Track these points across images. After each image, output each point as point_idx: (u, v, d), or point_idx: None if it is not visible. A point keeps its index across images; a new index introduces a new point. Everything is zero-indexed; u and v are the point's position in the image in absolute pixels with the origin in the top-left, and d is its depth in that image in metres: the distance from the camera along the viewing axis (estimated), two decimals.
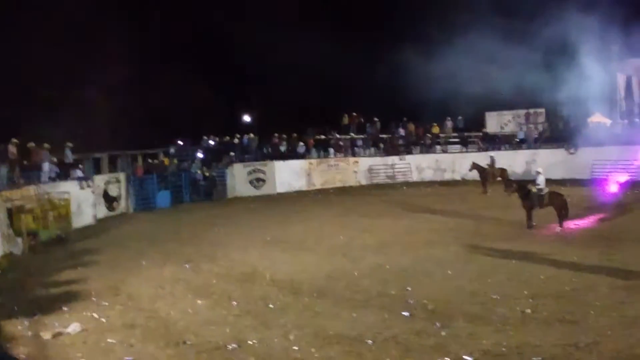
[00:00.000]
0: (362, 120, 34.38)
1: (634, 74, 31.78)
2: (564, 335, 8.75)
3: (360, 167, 31.74)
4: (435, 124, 33.95)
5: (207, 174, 29.12)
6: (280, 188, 30.12)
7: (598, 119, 31.21)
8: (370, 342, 8.82)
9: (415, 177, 31.62)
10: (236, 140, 32.26)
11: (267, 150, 32.00)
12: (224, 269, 14.33)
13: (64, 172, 23.06)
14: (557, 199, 17.10)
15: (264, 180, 30.35)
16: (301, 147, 31.78)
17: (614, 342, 8.36)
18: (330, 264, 13.99)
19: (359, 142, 33.27)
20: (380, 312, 10.12)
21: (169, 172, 28.68)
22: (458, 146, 33.18)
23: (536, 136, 31.42)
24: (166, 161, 29.79)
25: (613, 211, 19.40)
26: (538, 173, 17.93)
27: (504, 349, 8.34)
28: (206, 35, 38.35)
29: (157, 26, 37.39)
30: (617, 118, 30.64)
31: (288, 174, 30.61)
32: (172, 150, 31.71)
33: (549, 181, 18.58)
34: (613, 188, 23.01)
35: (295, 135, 32.46)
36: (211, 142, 32.31)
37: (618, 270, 12.08)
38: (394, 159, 31.98)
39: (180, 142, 33.38)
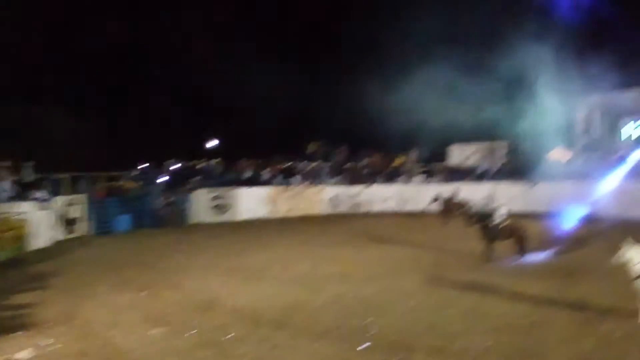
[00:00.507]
0: (328, 148, 34.57)
1: (593, 110, 32.79)
2: None
3: (324, 196, 31.77)
4: (400, 155, 34.35)
5: (168, 199, 28.75)
6: (244, 215, 29.90)
7: (557, 154, 32.04)
8: None
9: (379, 207, 31.77)
10: (201, 165, 32.04)
11: (232, 176, 31.80)
12: (183, 296, 14.04)
13: (23, 192, 22.50)
14: (517, 232, 17.36)
15: (227, 207, 30.11)
16: (266, 174, 31.74)
17: None
18: (291, 293, 13.83)
19: (325, 171, 33.34)
20: (340, 344, 10.02)
21: (131, 195, 28.21)
22: (422, 177, 33.51)
23: (498, 169, 31.98)
24: (128, 184, 29.32)
25: (571, 245, 19.79)
26: (499, 206, 18.20)
27: None
28: (172, 60, 38.27)
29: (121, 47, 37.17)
30: (576, 153, 31.43)
31: (252, 201, 30.41)
32: (135, 173, 31.28)
33: (509, 214, 18.86)
34: (570, 222, 23.49)
35: (260, 161, 32.43)
36: (175, 167, 32.01)
37: (575, 304, 12.26)
38: (358, 188, 32.13)
39: (143, 166, 32.96)
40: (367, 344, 9.98)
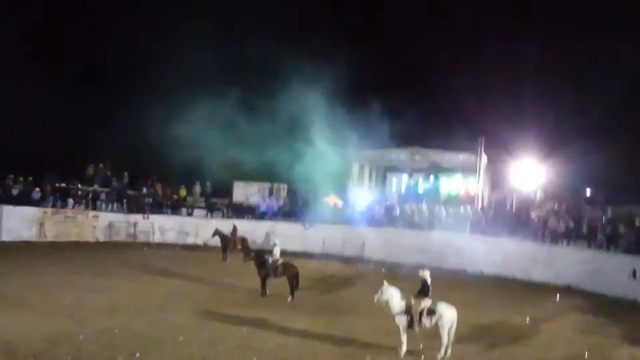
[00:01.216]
0: (109, 173, 32.82)
1: (365, 164, 36.01)
2: None
3: (100, 223, 29.99)
4: (183, 187, 34.05)
5: None
6: (6, 236, 26.76)
7: (332, 200, 34.52)
8: None
9: (157, 238, 30.96)
10: None
11: None
12: None
13: None
14: (290, 270, 18.21)
15: None
16: (36, 193, 28.93)
17: None
18: (53, 325, 12.87)
19: (102, 196, 31.52)
20: None
21: None
22: (203, 211, 33.51)
23: (277, 209, 33.32)
24: None
25: (339, 284, 21.35)
26: (275, 244, 19.05)
27: None
28: None
29: None
30: (347, 201, 34.10)
31: (17, 221, 27.35)
32: None
33: (285, 253, 19.77)
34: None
35: (31, 179, 29.50)
36: None
37: (339, 339, 13.33)
38: (137, 217, 30.99)
39: None
40: None
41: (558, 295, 20.52)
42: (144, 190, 32.73)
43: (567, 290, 21.61)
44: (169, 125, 26.47)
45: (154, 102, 27.92)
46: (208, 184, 34.49)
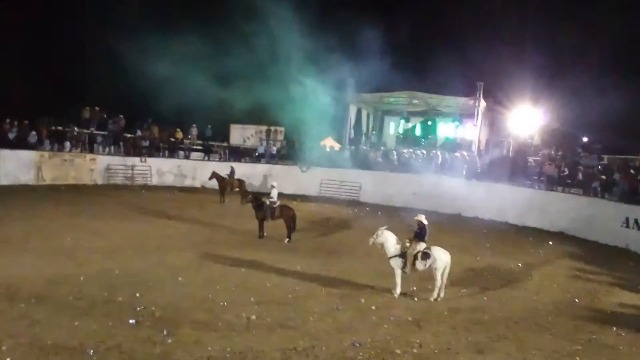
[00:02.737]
0: (105, 116, 32.59)
1: (363, 107, 35.84)
2: (284, 340, 9.56)
3: (97, 165, 30.03)
4: (178, 129, 33.95)
5: None
6: (4, 180, 26.69)
7: (330, 142, 34.56)
8: (91, 352, 8.57)
9: (155, 180, 31.08)
10: None
11: None
12: None
13: None
14: (287, 212, 18.41)
15: None
16: (33, 137, 28.77)
17: (329, 346, 9.40)
18: (53, 267, 13.08)
19: (99, 139, 31.41)
20: (105, 320, 9.86)
21: None
22: (201, 154, 33.55)
23: (274, 152, 33.36)
24: None
25: (335, 227, 21.61)
26: (272, 187, 19.15)
27: (228, 355, 8.81)
28: None
29: None
30: (345, 144, 34.12)
31: (15, 165, 27.22)
32: None
33: (282, 195, 19.91)
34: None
35: (27, 122, 29.28)
36: None
37: (335, 280, 13.59)
38: (134, 160, 31.00)
39: None
40: (133, 320, 9.96)
41: (551, 241, 20.87)
42: (138, 132, 32.53)
43: (560, 237, 21.90)
44: (163, 67, 26.04)
45: (150, 43, 27.36)
46: (209, 126, 34.44)
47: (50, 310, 10.22)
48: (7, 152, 27.22)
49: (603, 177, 23.20)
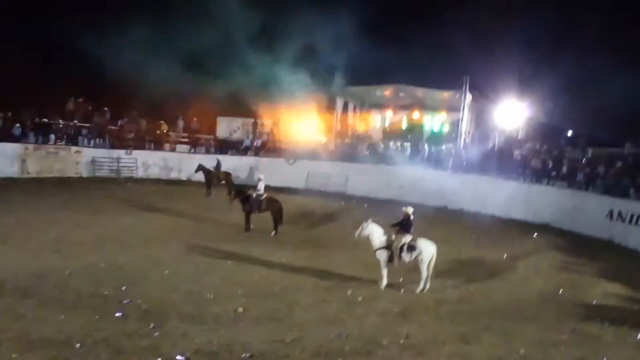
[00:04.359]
0: (90, 108, 32.30)
1: (350, 100, 35.83)
2: (272, 332, 9.61)
3: (82, 158, 29.70)
4: (163, 122, 33.74)
5: None
6: None
7: (316, 135, 34.49)
8: (78, 345, 8.52)
9: (141, 173, 30.84)
10: None
11: None
12: None
13: None
14: (274, 205, 18.43)
15: None
16: (17, 129, 28.43)
17: (316, 338, 9.45)
18: (38, 261, 12.99)
19: (84, 131, 31.11)
20: (91, 314, 9.82)
21: None
22: (187, 146, 33.38)
23: (260, 145, 33.29)
24: None
25: (322, 219, 21.66)
26: (259, 180, 19.13)
27: (215, 347, 8.82)
28: None
29: None
30: (332, 136, 34.12)
31: None
32: None
33: (269, 188, 19.89)
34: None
35: (10, 114, 28.93)
36: None
37: (322, 272, 13.66)
38: (119, 153, 30.75)
39: None
40: (120, 313, 9.93)
41: (536, 233, 21.06)
42: (121, 121, 32.21)
43: (545, 229, 22.11)
44: (148, 59, 25.88)
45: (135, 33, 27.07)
46: (195, 120, 34.31)
47: (35, 304, 10.14)
48: None
49: (587, 169, 23.43)
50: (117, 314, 9.87)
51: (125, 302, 10.54)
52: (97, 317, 9.69)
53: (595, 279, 14.92)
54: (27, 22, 30.82)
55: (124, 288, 11.32)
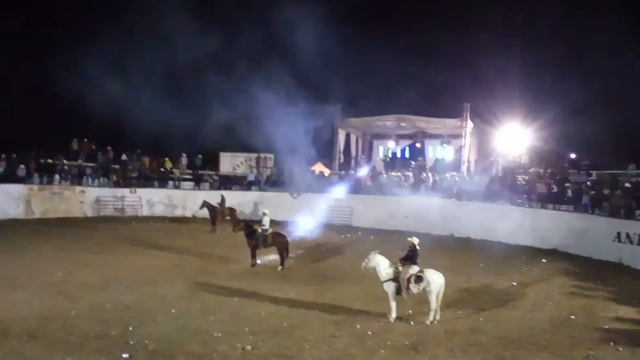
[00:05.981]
0: (94, 147, 32.52)
1: (352, 131, 35.98)
2: None
3: (87, 198, 29.76)
4: (167, 159, 33.84)
5: None
6: None
7: (320, 168, 34.58)
8: None
9: (145, 211, 30.84)
10: None
11: None
12: None
13: None
14: (280, 240, 18.35)
15: None
16: (21, 170, 28.57)
17: None
18: (44, 302, 12.91)
19: (88, 171, 31.23)
20: (98, 355, 9.72)
21: None
22: (191, 183, 33.41)
23: (264, 179, 33.31)
24: None
25: (328, 252, 21.52)
26: (264, 214, 19.10)
27: None
28: None
29: None
30: (335, 169, 34.16)
31: (3, 199, 26.85)
32: None
33: (273, 222, 19.84)
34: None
35: (15, 156, 29.12)
36: None
37: (329, 306, 13.51)
38: (124, 191, 30.81)
39: None
40: (127, 354, 9.81)
41: (544, 259, 20.87)
42: (124, 156, 32.31)
43: (553, 254, 21.93)
44: (154, 97, 26.13)
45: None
46: (199, 156, 34.44)
47: (42, 346, 10.06)
48: None
49: (593, 192, 23.33)
50: (124, 355, 9.76)
51: (132, 342, 10.42)
52: (103, 358, 9.59)
53: (607, 303, 14.72)
54: (30, 65, 31.17)
55: (130, 328, 11.21)
